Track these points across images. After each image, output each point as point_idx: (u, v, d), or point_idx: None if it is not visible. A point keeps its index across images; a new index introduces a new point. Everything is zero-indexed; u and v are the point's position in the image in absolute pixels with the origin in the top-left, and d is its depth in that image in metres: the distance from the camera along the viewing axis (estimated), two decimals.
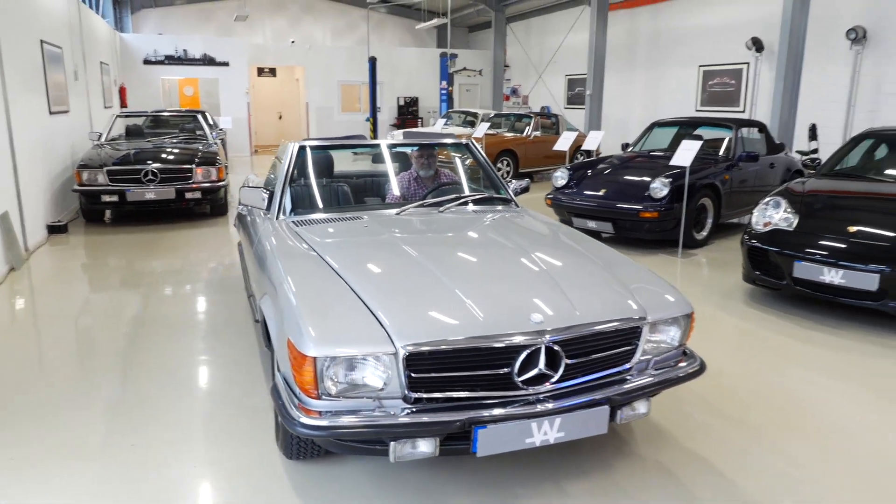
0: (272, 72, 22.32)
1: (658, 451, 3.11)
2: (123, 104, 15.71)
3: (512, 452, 3.00)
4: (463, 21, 23.88)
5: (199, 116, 10.63)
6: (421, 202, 3.99)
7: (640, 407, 2.74)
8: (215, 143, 9.74)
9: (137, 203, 8.10)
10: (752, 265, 5.36)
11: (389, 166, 4.58)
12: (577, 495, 2.76)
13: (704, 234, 7.48)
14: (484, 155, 4.54)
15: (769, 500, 2.75)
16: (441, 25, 21.12)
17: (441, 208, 3.93)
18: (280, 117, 23.62)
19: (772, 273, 5.22)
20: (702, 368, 2.93)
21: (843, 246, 4.84)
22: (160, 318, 4.95)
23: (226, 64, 18.26)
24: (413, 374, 2.40)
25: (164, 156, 8.54)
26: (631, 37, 16.70)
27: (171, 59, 17.86)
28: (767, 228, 5.32)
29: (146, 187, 8.05)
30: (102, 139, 9.45)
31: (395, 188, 4.43)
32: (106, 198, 7.97)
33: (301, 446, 2.87)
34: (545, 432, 2.48)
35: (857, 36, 10.82)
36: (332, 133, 20.43)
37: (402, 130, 13.94)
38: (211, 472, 2.93)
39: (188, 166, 8.34)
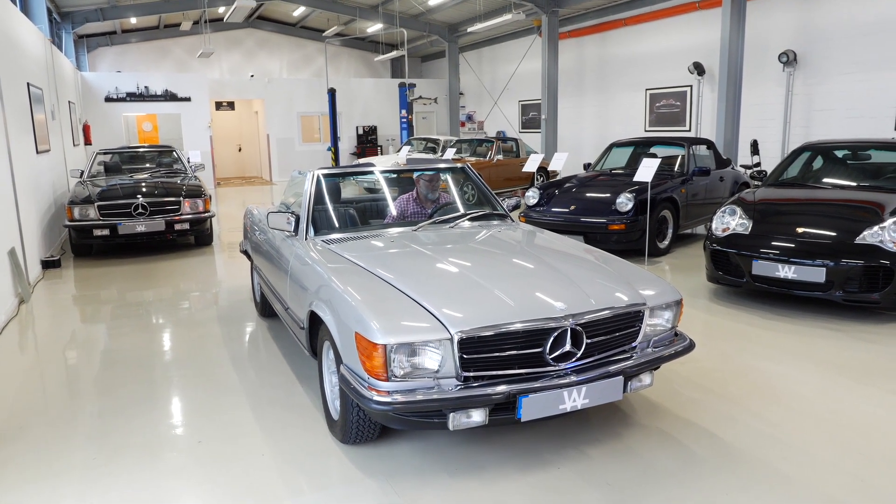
0: (230, 105, 22.63)
1: (657, 420, 3.66)
2: (87, 141, 15.80)
3: (537, 427, 3.52)
4: (416, 52, 24.69)
5: (176, 151, 10.95)
6: (433, 220, 4.50)
7: (646, 378, 3.29)
8: (194, 177, 10.06)
9: (128, 236, 8.36)
10: (715, 266, 6.03)
11: (387, 190, 5.08)
12: (597, 457, 3.28)
13: (666, 242, 8.18)
14: (480, 177, 5.09)
15: (757, 451, 3.32)
16: (395, 56, 21.81)
17: (451, 224, 4.45)
18: (240, 150, 23.86)
19: (732, 272, 5.89)
20: (692, 345, 3.50)
21: (792, 245, 5.54)
22: (179, 338, 5.30)
23: (188, 99, 18.51)
24: (465, 356, 2.89)
25: (151, 190, 8.84)
26: (580, 64, 17.66)
27: (132, 96, 18.03)
28: (726, 233, 6.00)
29: (137, 220, 8.34)
30: (85, 176, 9.70)
31: (398, 209, 4.91)
32: (98, 232, 8.22)
33: (359, 431, 3.30)
34: (574, 399, 2.99)
35: (788, 59, 11.89)
36: (294, 163, 20.81)
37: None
38: (279, 458, 3.34)
39: (176, 199, 8.67)
